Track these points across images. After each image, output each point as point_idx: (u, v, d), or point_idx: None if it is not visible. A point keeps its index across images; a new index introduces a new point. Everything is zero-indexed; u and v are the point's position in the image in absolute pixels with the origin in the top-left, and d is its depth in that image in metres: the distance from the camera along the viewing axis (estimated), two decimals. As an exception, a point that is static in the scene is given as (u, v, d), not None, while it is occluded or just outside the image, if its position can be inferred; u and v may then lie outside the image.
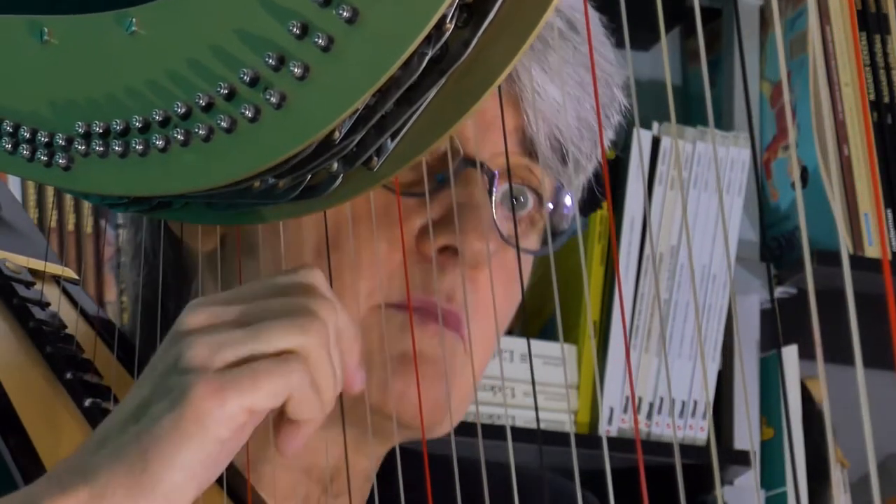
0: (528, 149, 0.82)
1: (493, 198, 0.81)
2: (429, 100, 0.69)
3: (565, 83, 0.81)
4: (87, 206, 1.87)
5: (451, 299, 0.80)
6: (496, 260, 0.81)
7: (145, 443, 0.63)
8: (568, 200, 0.86)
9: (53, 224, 1.87)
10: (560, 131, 0.82)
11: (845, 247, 0.58)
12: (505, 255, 0.82)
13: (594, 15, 0.83)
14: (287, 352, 0.65)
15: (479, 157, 0.80)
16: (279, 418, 0.67)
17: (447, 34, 0.67)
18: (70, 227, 1.89)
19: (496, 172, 0.81)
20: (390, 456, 0.87)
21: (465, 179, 0.80)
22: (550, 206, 0.85)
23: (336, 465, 0.85)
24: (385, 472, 0.87)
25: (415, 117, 0.70)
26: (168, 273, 0.86)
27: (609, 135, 0.87)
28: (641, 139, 1.97)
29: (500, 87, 0.69)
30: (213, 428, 0.63)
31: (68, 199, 1.87)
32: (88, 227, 1.89)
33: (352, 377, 0.68)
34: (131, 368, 0.81)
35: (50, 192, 1.86)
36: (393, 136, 0.70)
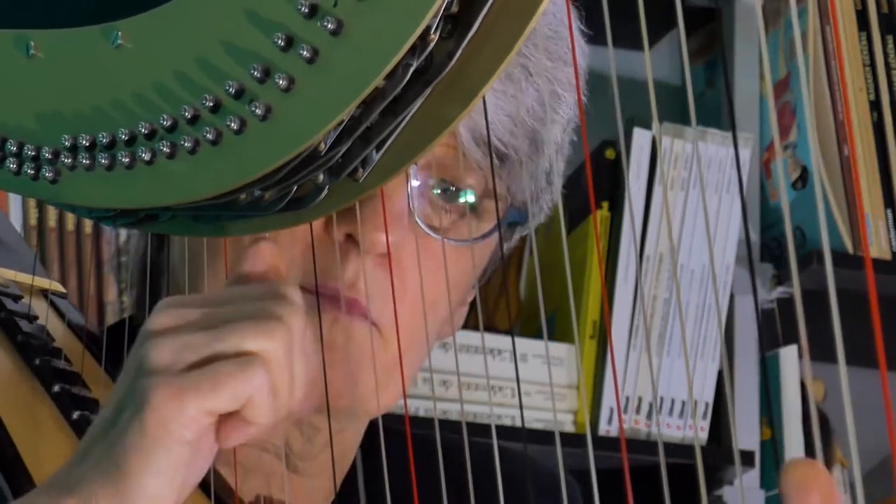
0: (459, 143, 0.82)
1: (413, 189, 0.82)
2: (414, 111, 0.69)
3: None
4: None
5: (351, 286, 0.80)
6: (421, 249, 0.81)
7: (118, 452, 0.64)
8: (490, 199, 0.85)
9: (53, 224, 1.87)
10: (491, 129, 0.82)
11: (827, 246, 0.59)
12: (430, 245, 0.83)
13: (554, 11, 0.83)
14: (249, 353, 0.65)
15: None
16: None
17: (432, 45, 0.67)
18: (70, 227, 1.89)
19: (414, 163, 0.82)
20: (372, 434, 0.88)
21: None
22: (471, 199, 0.85)
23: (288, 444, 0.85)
24: (367, 450, 0.88)
25: (400, 128, 0.70)
26: (153, 243, 0.87)
27: (555, 132, 0.87)
28: (641, 139, 1.97)
29: None
30: (177, 431, 0.63)
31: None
32: (88, 227, 1.89)
33: (303, 393, 0.68)
34: None
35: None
36: (378, 148, 0.70)
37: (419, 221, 0.82)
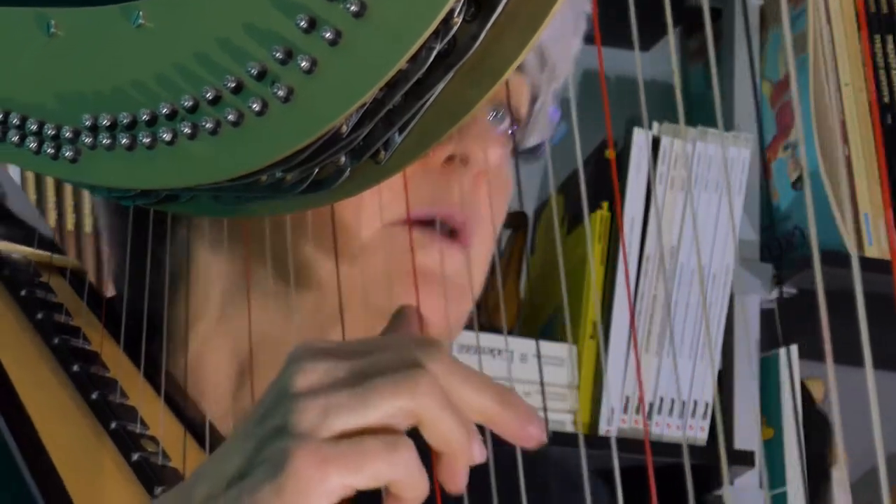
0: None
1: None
2: (437, 94, 0.69)
3: None
4: (87, 206, 1.87)
5: (463, 207, 0.81)
6: (493, 172, 0.83)
7: None
8: (547, 110, 0.87)
9: (53, 224, 1.87)
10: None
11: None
12: (499, 168, 0.84)
13: None
14: (396, 433, 0.61)
15: None
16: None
17: (455, 28, 0.67)
18: (70, 227, 1.88)
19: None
20: None
21: None
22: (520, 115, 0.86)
23: None
24: None
25: (423, 111, 0.69)
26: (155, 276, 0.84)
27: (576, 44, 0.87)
28: (641, 139, 1.97)
29: None
30: (314, 500, 0.59)
31: (68, 199, 1.87)
32: (88, 226, 1.89)
33: (469, 439, 0.63)
34: (138, 361, 0.81)
35: (50, 192, 1.85)
36: (401, 130, 0.70)
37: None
